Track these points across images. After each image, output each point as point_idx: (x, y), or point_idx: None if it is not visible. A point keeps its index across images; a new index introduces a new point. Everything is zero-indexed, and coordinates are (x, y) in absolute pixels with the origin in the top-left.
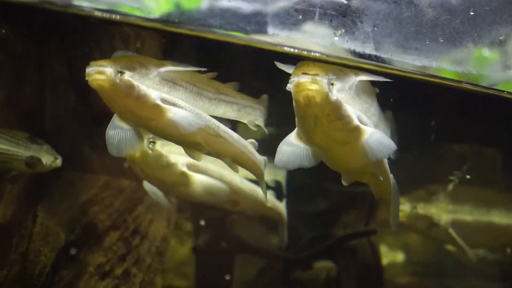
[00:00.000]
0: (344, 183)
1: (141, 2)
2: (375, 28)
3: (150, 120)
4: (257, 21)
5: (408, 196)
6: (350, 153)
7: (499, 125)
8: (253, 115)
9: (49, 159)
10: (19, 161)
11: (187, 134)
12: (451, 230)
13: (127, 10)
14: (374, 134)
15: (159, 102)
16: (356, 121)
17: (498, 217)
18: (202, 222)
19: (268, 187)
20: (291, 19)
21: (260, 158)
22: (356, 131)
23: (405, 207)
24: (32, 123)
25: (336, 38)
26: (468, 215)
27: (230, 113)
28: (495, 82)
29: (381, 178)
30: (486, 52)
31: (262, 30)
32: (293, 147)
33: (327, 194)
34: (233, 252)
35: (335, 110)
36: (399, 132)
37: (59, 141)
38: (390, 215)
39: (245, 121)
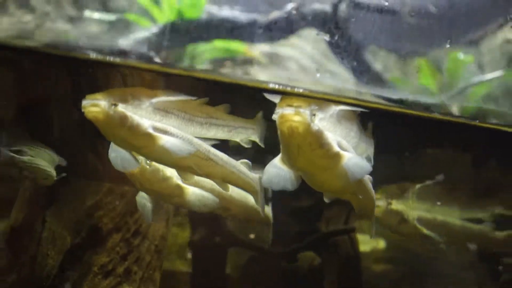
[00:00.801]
0: (326, 200)
1: (147, 11)
2: (355, 63)
3: (143, 148)
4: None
5: (384, 193)
6: (331, 177)
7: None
8: (245, 134)
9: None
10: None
11: (178, 158)
12: (418, 224)
13: (134, 18)
14: (352, 158)
15: (151, 130)
16: (336, 148)
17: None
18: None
19: None
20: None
21: (253, 176)
22: (336, 157)
23: (380, 203)
24: (41, 136)
25: (318, 75)
26: (433, 212)
27: (221, 134)
28: None
29: (360, 197)
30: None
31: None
32: (277, 169)
33: (310, 192)
34: (226, 246)
35: (316, 140)
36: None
37: (67, 152)
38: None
39: (237, 139)
